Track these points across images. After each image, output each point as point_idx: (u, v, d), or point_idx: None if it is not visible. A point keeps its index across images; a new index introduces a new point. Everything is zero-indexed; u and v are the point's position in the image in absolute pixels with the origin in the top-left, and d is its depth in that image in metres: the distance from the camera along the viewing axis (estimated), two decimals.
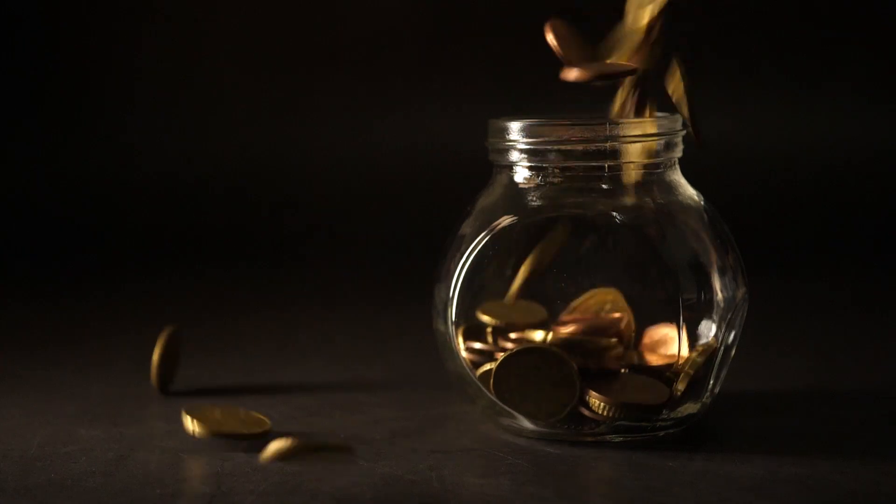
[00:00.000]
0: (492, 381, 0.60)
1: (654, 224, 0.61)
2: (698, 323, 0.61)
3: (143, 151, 1.27)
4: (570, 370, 0.59)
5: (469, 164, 0.70)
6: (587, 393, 0.59)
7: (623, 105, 0.63)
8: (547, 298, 0.64)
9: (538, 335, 0.62)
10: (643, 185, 0.62)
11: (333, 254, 1.17)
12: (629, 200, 0.61)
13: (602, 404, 0.59)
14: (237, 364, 0.79)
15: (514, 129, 0.62)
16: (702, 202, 0.63)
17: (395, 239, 1.15)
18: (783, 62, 1.23)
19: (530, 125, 0.62)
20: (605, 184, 0.61)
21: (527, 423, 0.61)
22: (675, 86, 0.61)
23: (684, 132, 0.63)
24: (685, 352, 0.60)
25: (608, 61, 0.61)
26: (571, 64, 0.60)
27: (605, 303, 0.63)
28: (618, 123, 0.61)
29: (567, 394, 0.59)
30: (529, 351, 0.59)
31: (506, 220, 0.62)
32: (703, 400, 0.62)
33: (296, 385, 0.73)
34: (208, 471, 0.58)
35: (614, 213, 0.61)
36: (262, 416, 0.63)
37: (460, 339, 0.62)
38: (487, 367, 0.61)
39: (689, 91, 0.61)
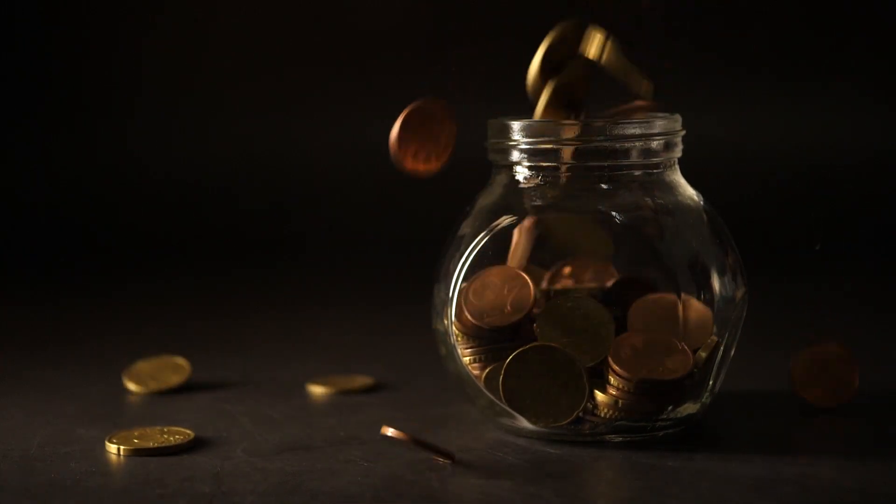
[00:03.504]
0: (501, 378, 0.60)
1: (653, 224, 0.61)
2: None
3: (144, 151, 1.27)
4: (580, 371, 0.59)
5: (469, 164, 0.70)
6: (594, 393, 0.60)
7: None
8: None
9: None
10: (643, 185, 0.62)
11: (333, 254, 1.17)
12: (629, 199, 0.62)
13: (619, 384, 0.59)
14: (237, 364, 0.79)
15: (514, 128, 0.62)
16: (701, 202, 0.63)
17: (395, 239, 1.15)
18: (783, 62, 1.23)
19: (530, 125, 0.62)
20: (604, 184, 0.61)
21: (526, 423, 0.61)
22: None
23: (684, 132, 0.63)
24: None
25: None
26: None
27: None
28: (617, 123, 0.61)
29: (576, 397, 0.59)
30: (539, 349, 0.59)
31: (505, 220, 0.62)
32: (703, 400, 0.62)
33: (296, 385, 0.73)
34: (208, 471, 0.58)
35: (614, 213, 0.61)
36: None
37: (460, 339, 0.62)
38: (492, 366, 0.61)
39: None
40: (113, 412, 0.69)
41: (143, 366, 0.74)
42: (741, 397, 0.68)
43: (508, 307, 0.60)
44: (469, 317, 0.61)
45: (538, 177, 0.62)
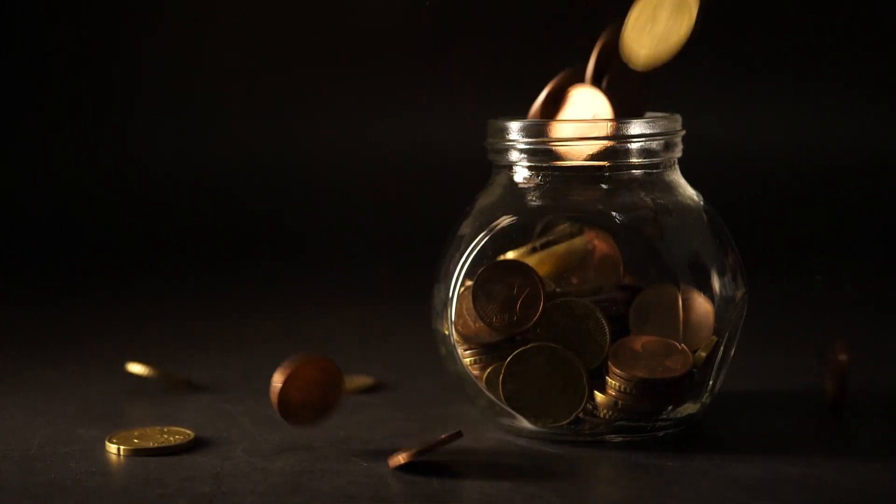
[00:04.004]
0: (501, 378, 0.60)
1: (653, 224, 0.61)
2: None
3: (144, 151, 1.27)
4: (579, 371, 0.59)
5: (469, 164, 0.70)
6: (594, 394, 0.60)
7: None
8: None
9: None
10: (643, 185, 0.62)
11: (333, 254, 1.17)
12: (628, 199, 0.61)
13: (621, 383, 0.59)
14: (237, 364, 0.79)
15: (514, 128, 0.62)
16: (701, 202, 0.63)
17: (395, 239, 1.15)
18: (783, 62, 1.23)
19: (530, 125, 0.62)
20: (604, 184, 0.61)
21: (526, 423, 0.61)
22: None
23: (684, 132, 0.63)
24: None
25: None
26: None
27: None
28: (618, 123, 0.61)
29: (575, 398, 0.59)
30: (539, 349, 0.59)
31: (505, 220, 0.62)
32: (703, 400, 0.62)
33: None
34: (208, 471, 0.58)
35: (614, 213, 0.61)
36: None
37: (459, 340, 0.62)
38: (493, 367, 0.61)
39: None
40: (113, 412, 0.69)
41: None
42: (741, 397, 0.68)
43: (517, 313, 0.60)
44: (476, 321, 0.60)
45: (537, 177, 0.62)
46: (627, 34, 0.60)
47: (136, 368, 0.73)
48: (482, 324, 0.60)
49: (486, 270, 0.60)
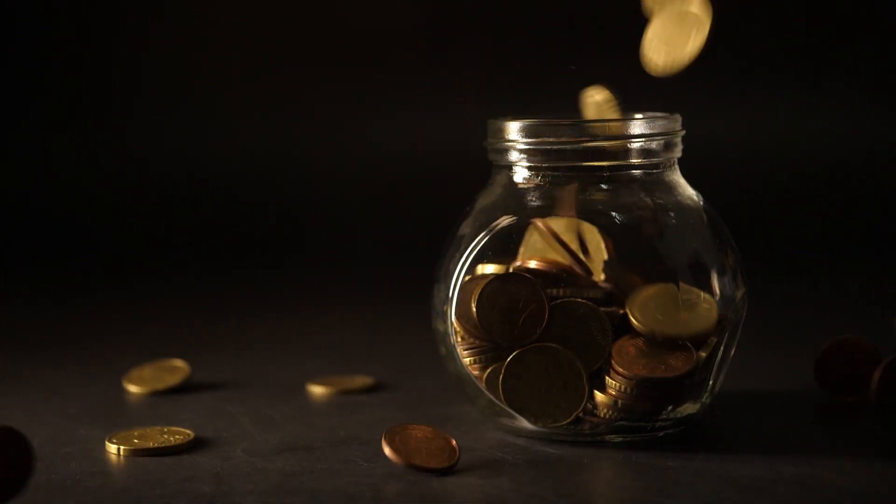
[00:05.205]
0: (501, 378, 0.60)
1: (653, 224, 0.61)
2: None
3: (144, 152, 1.27)
4: (580, 371, 0.59)
5: (469, 164, 0.70)
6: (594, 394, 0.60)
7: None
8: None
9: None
10: (643, 185, 0.62)
11: (333, 254, 1.17)
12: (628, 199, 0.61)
13: (622, 383, 0.59)
14: (237, 364, 0.79)
15: (514, 129, 0.62)
16: (701, 202, 0.63)
17: (395, 239, 1.15)
18: (783, 62, 1.23)
19: (529, 125, 0.62)
20: (604, 184, 0.61)
21: (526, 423, 0.61)
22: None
23: (684, 132, 0.63)
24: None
25: None
26: None
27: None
28: (616, 123, 0.61)
29: (575, 398, 0.59)
30: (539, 350, 0.59)
31: (505, 220, 0.62)
32: (703, 400, 0.62)
33: (296, 385, 0.73)
34: (208, 471, 0.58)
35: (614, 214, 0.61)
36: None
37: (460, 339, 0.62)
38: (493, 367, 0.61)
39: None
40: (113, 412, 0.69)
41: (142, 371, 0.74)
42: (741, 397, 0.68)
43: (520, 325, 0.60)
44: (477, 325, 0.60)
45: (537, 177, 0.62)
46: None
47: (134, 388, 0.72)
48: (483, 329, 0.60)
49: (493, 281, 0.60)
